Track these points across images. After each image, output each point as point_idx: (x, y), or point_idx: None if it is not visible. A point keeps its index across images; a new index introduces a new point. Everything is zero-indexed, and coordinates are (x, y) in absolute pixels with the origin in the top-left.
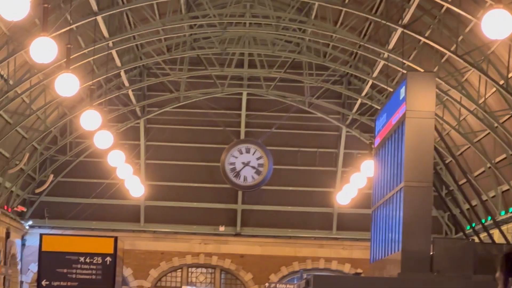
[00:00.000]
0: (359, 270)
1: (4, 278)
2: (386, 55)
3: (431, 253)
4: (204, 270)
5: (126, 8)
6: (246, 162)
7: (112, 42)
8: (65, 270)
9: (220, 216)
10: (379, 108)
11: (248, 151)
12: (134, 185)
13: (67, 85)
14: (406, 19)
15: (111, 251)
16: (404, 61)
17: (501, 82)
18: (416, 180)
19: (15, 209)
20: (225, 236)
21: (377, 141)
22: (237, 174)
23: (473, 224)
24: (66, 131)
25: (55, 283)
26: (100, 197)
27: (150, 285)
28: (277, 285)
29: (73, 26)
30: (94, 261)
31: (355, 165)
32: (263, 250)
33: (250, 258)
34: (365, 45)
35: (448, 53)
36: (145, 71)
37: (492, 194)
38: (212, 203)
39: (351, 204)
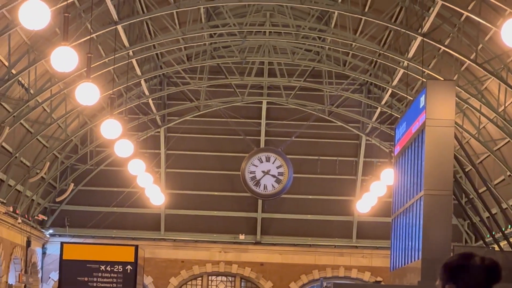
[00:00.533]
0: (379, 279)
1: (25, 286)
2: (405, 63)
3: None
4: (224, 278)
5: (146, 17)
6: (266, 171)
7: (133, 51)
8: (86, 279)
9: (240, 225)
10: (398, 116)
11: (268, 159)
12: (154, 193)
13: (88, 94)
14: (425, 28)
15: (132, 259)
16: (424, 69)
17: None
18: (436, 189)
19: (36, 217)
20: (245, 245)
21: (397, 149)
22: (257, 183)
23: (493, 232)
24: (86, 140)
25: None
26: (120, 206)
27: None
28: None
29: (94, 35)
30: (115, 270)
31: (375, 173)
32: (283, 258)
33: (270, 266)
34: (385, 53)
35: (468, 62)
36: (165, 80)
37: None
38: (232, 212)
39: (371, 213)
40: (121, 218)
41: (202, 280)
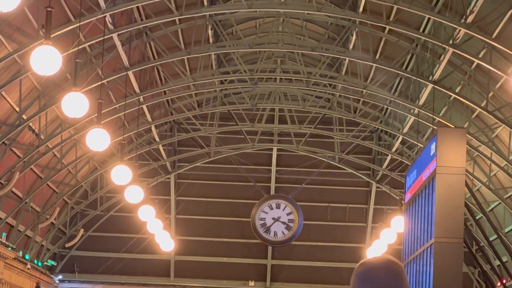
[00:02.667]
0: None
1: None
2: (416, 110)
3: None
4: None
5: (157, 63)
6: (276, 218)
7: (143, 97)
8: None
9: (250, 271)
10: (409, 163)
11: (278, 206)
12: (164, 239)
13: (98, 140)
14: (436, 75)
15: None
16: (435, 116)
17: None
18: (447, 236)
19: (45, 263)
20: None
21: (408, 196)
22: (267, 230)
23: (504, 281)
24: (96, 186)
25: None
26: (130, 252)
27: None
28: None
29: (105, 81)
30: None
31: (385, 220)
32: None
33: None
34: (396, 100)
35: (479, 109)
36: (175, 126)
37: None
38: (242, 258)
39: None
40: (131, 264)
41: None
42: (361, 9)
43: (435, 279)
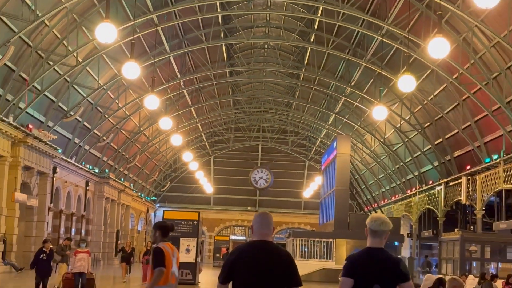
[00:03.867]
0: (314, 229)
1: (145, 231)
2: (327, 126)
3: (348, 221)
4: (241, 228)
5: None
6: (260, 177)
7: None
8: (176, 227)
9: (248, 203)
10: (323, 151)
11: (262, 171)
12: (207, 187)
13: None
14: (337, 109)
15: (196, 218)
16: (337, 130)
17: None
18: (341, 186)
19: (152, 198)
20: (250, 212)
21: (322, 167)
22: (256, 182)
23: (368, 207)
24: (176, 162)
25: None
26: (191, 192)
27: None
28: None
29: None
30: (189, 223)
31: (312, 178)
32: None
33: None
34: (317, 122)
35: (356, 126)
36: (213, 133)
37: (377, 193)
38: (244, 196)
39: (311, 196)
40: (192, 199)
41: (229, 228)
42: None
43: (336, 206)
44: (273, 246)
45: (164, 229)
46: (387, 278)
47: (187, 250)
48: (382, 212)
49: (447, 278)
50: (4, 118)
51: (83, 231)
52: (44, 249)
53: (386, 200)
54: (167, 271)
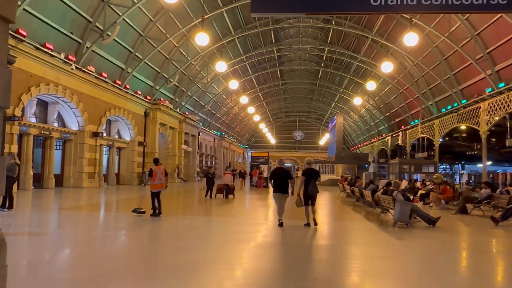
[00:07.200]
0: (324, 159)
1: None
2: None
3: (342, 155)
4: None
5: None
6: None
7: None
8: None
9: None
10: (329, 121)
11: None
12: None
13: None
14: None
15: (267, 155)
16: (339, 112)
17: None
18: (338, 138)
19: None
20: None
21: (329, 129)
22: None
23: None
24: None
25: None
26: None
27: None
28: None
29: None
30: (263, 158)
31: (324, 134)
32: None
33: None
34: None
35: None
36: None
37: (356, 141)
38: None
39: (324, 143)
40: (265, 146)
41: (284, 159)
42: None
43: (336, 149)
44: (283, 168)
45: (155, 160)
46: (313, 174)
47: (263, 172)
48: (358, 150)
49: (392, 181)
50: (174, 109)
51: (213, 163)
52: (209, 171)
53: (361, 145)
54: (154, 177)
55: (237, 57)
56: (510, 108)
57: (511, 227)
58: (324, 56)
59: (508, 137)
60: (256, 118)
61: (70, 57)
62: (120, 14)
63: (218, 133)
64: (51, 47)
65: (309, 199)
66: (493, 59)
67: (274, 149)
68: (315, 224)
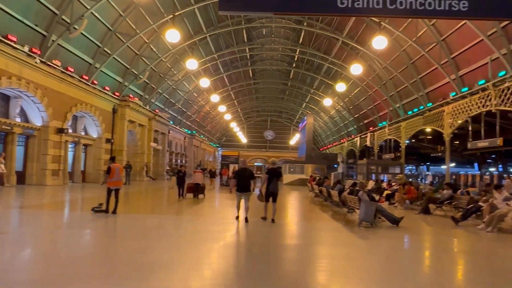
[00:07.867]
0: (294, 159)
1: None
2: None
3: (312, 155)
4: None
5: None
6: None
7: None
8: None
9: None
10: (300, 121)
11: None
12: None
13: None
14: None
15: (237, 154)
16: (309, 112)
17: None
18: (308, 138)
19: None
20: None
21: (300, 129)
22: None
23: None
24: None
25: None
26: None
27: None
28: None
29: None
30: (233, 157)
31: (294, 134)
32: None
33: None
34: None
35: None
36: None
37: (326, 141)
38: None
39: (294, 143)
40: (236, 145)
41: (254, 159)
42: None
43: (306, 149)
44: (247, 168)
45: (112, 158)
46: (276, 173)
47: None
48: (328, 150)
49: (358, 181)
50: (143, 106)
51: (183, 161)
52: (181, 170)
53: (330, 145)
54: (112, 175)
55: (209, 55)
56: (472, 112)
57: (471, 227)
58: (296, 56)
59: (470, 140)
60: (228, 117)
61: (34, 50)
62: (88, 7)
63: (189, 132)
64: (14, 39)
65: (270, 196)
66: (457, 64)
67: (246, 148)
68: (272, 221)
